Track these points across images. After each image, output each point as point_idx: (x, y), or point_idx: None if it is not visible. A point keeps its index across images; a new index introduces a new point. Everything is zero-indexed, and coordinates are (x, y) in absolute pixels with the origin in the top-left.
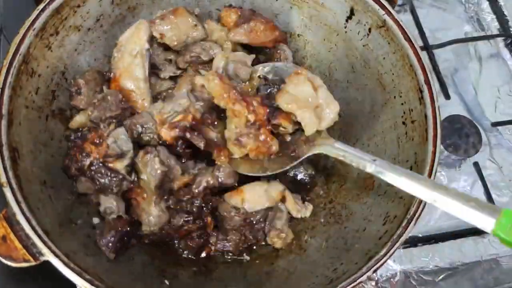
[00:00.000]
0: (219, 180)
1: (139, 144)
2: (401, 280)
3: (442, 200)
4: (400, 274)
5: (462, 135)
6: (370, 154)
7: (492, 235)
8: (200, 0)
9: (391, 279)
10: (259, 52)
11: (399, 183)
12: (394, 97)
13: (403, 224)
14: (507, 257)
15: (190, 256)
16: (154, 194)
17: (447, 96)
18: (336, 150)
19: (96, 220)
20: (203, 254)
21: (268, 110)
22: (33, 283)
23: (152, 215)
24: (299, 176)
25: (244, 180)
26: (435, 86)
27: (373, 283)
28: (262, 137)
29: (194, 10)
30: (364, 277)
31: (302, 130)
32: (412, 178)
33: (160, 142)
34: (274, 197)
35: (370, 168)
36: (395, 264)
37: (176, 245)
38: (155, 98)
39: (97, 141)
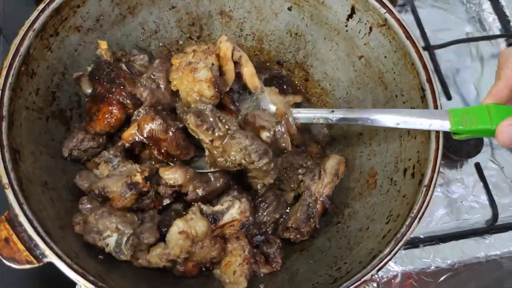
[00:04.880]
0: None
1: None
2: (402, 282)
3: (403, 121)
4: (401, 276)
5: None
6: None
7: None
8: (199, 0)
9: (392, 281)
10: None
11: (363, 120)
12: (396, 95)
13: (407, 223)
14: (509, 258)
15: None
16: None
17: (449, 97)
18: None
19: None
20: None
21: None
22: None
23: None
24: None
25: None
26: (437, 86)
27: (374, 284)
28: None
29: None
30: (368, 276)
31: None
32: (372, 112)
33: None
34: None
35: (332, 119)
36: (396, 265)
37: None
38: None
39: None
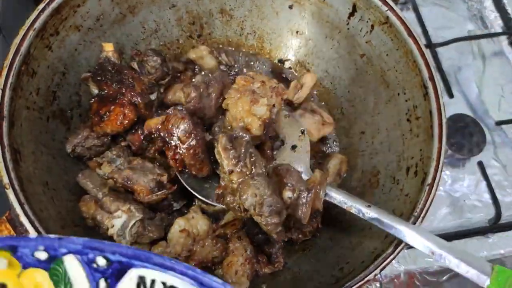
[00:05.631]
0: None
1: None
2: (404, 281)
3: (440, 253)
4: (404, 275)
5: (466, 134)
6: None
7: None
8: None
9: (395, 280)
10: None
11: (397, 232)
12: (398, 94)
13: (410, 222)
14: None
15: None
16: None
17: (451, 95)
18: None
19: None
20: None
21: None
22: None
23: None
24: None
25: None
26: (439, 84)
27: (377, 284)
28: None
29: None
30: (371, 275)
31: None
32: (411, 228)
33: None
34: None
35: (365, 214)
36: (398, 264)
37: None
38: None
39: None
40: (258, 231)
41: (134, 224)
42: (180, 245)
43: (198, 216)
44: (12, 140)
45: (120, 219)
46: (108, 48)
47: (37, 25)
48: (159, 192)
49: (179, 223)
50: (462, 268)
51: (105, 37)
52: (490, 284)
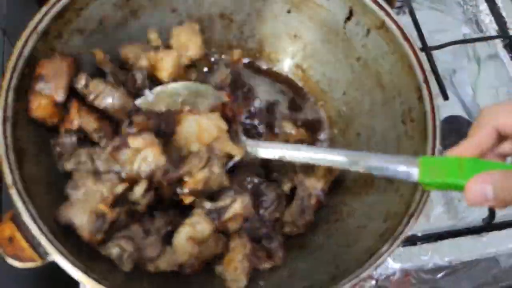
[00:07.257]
0: None
1: None
2: (400, 279)
3: (365, 164)
4: (400, 273)
5: (461, 136)
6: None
7: None
8: (200, 3)
9: (391, 277)
10: None
11: (316, 161)
12: (394, 96)
13: (404, 221)
14: (506, 256)
15: None
16: None
17: (446, 97)
18: None
19: None
20: None
21: None
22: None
23: None
24: None
25: None
26: (434, 87)
27: (373, 282)
28: None
29: None
30: (365, 273)
31: None
32: (329, 152)
33: None
34: None
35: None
36: (394, 262)
37: None
38: None
39: None
40: (258, 226)
41: (129, 256)
42: (188, 254)
43: (201, 220)
44: (16, 140)
45: (114, 249)
46: (98, 56)
47: (40, 28)
48: (99, 233)
49: (186, 232)
50: (392, 169)
51: (107, 41)
52: (419, 178)
